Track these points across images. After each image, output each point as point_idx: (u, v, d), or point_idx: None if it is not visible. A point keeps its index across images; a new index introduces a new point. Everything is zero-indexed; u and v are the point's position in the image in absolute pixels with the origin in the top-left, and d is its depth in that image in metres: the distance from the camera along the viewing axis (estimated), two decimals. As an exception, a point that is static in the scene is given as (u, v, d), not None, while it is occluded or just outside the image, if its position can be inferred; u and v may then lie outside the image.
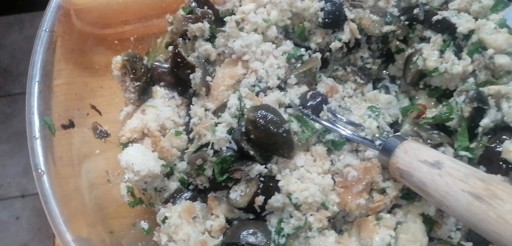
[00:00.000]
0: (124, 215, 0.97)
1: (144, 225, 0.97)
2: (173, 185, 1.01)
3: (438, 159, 0.81)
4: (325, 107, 0.96)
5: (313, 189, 0.88)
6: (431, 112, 1.01)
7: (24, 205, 2.73)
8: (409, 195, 0.91)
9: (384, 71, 1.11)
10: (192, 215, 0.95)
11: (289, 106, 0.97)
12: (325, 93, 0.99)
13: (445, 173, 0.79)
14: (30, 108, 0.83)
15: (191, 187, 1.02)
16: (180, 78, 1.06)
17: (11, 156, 2.80)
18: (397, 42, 1.06)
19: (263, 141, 0.90)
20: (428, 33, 1.04)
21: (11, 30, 3.05)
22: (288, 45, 1.04)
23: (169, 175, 1.01)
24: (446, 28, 1.02)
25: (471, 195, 0.75)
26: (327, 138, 0.94)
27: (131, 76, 1.01)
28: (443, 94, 1.03)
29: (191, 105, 1.05)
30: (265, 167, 0.91)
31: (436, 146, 0.91)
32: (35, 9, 3.04)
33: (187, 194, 0.99)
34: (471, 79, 0.98)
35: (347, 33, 1.02)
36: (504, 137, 0.90)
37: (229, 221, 0.96)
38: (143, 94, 1.04)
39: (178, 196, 0.99)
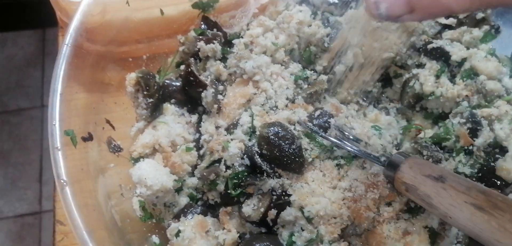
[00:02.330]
0: (136, 229, 0.98)
1: (156, 239, 0.98)
2: (183, 200, 1.03)
3: (441, 174, 0.87)
4: (332, 125, 1.01)
5: (324, 203, 0.92)
6: (428, 133, 1.08)
7: (-2, 228, 2.64)
8: (413, 208, 0.96)
9: (383, 94, 1.18)
10: (205, 229, 0.97)
11: (298, 123, 1.02)
12: (330, 112, 1.05)
13: (448, 186, 0.85)
14: (52, 119, 0.84)
15: (200, 203, 1.04)
16: (190, 96, 1.10)
17: (-15, 177, 2.72)
18: (396, 67, 1.14)
19: (275, 157, 0.95)
20: (424, 60, 1.12)
21: (-8, 48, 3.01)
22: (295, 67, 1.10)
23: (178, 190, 1.03)
24: (441, 55, 1.11)
25: (474, 206, 0.81)
26: (335, 154, 0.99)
27: (145, 92, 1.04)
28: (438, 117, 1.11)
29: (201, 123, 1.08)
30: (277, 182, 0.96)
31: (436, 162, 0.98)
32: (18, 28, 3.02)
33: (197, 209, 1.01)
34: (465, 103, 1.05)
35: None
36: (497, 155, 0.98)
37: (239, 235, 0.98)
38: (155, 110, 1.07)
39: (188, 211, 1.01)
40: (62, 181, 0.80)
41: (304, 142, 0.99)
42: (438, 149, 1.01)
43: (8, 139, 2.83)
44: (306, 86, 1.08)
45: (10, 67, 2.99)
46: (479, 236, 0.81)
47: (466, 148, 1.00)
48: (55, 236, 1.16)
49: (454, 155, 1.01)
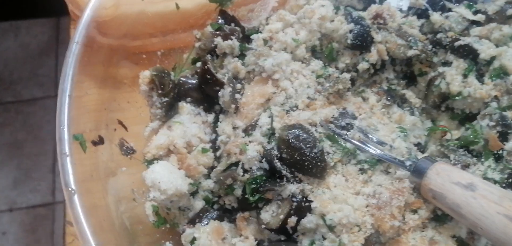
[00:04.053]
0: (149, 235, 0.95)
1: (170, 246, 0.96)
2: (199, 204, 0.99)
3: (471, 181, 0.83)
4: (356, 127, 0.97)
5: (347, 210, 0.88)
6: (454, 135, 1.03)
7: (11, 219, 2.65)
8: (440, 216, 0.91)
9: (407, 92, 1.12)
10: (221, 236, 0.93)
11: (320, 125, 0.97)
12: (353, 112, 1.01)
13: (479, 196, 0.80)
14: (60, 123, 0.81)
15: (216, 206, 1.00)
16: (207, 95, 1.06)
17: (0, 167, 2.72)
18: (420, 65, 1.08)
19: (296, 161, 0.91)
20: (450, 57, 1.06)
21: (5, 37, 3.00)
22: (316, 64, 1.05)
23: (193, 193, 0.99)
24: (469, 53, 1.05)
25: (507, 217, 0.77)
26: (358, 158, 0.95)
27: (159, 91, 1.00)
28: (465, 118, 1.05)
29: (218, 123, 1.05)
30: (298, 187, 0.91)
31: (464, 168, 0.93)
32: (32, 16, 3.00)
33: (213, 214, 0.98)
34: (494, 104, 1.00)
35: (375, 55, 1.04)
36: (529, 161, 0.93)
37: (257, 243, 0.95)
38: (170, 110, 1.03)
39: (204, 216, 0.98)
40: (70, 189, 0.76)
41: (326, 145, 0.94)
42: (466, 152, 0.96)
43: (22, 129, 2.82)
44: (328, 84, 1.03)
45: (24, 56, 2.97)
46: None
47: (495, 152, 0.95)
48: (65, 238, 1.14)
49: (482, 159, 0.96)
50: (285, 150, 0.91)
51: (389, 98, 1.08)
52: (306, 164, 0.90)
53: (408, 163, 0.91)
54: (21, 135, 2.81)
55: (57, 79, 2.98)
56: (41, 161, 2.74)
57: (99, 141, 0.88)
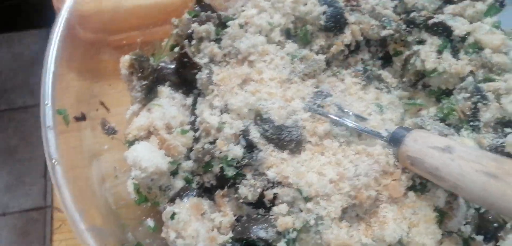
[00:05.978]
0: (131, 212, 0.97)
1: (151, 223, 0.97)
2: (179, 183, 1.00)
3: (449, 144, 0.82)
4: (331, 102, 0.98)
5: (324, 182, 0.89)
6: (431, 112, 1.04)
7: (4, 223, 2.67)
8: (418, 187, 0.92)
9: (383, 72, 1.13)
10: (200, 211, 0.94)
11: (294, 101, 0.98)
12: (328, 91, 1.02)
13: (457, 157, 0.80)
14: (44, 99, 0.84)
15: (195, 185, 1.01)
16: (185, 79, 1.08)
17: (-7, 172, 2.74)
18: (395, 45, 1.10)
19: (271, 135, 0.92)
20: (425, 36, 1.08)
21: (-2, 48, 3.05)
22: (291, 47, 1.06)
23: (174, 173, 1.01)
24: (443, 31, 1.06)
25: (486, 174, 0.75)
26: (334, 132, 0.96)
27: (139, 75, 1.02)
28: (441, 94, 1.07)
29: (196, 105, 1.06)
30: (274, 162, 0.93)
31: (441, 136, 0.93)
32: (24, 28, 3.06)
33: (193, 192, 0.99)
34: (470, 78, 1.01)
35: (349, 36, 1.06)
36: (507, 130, 0.94)
37: (236, 218, 0.96)
38: (150, 93, 1.05)
39: (184, 194, 0.98)
40: (53, 160, 0.78)
41: (301, 120, 0.96)
42: (443, 124, 0.97)
43: (14, 135, 2.86)
44: (303, 66, 1.04)
45: (17, 65, 3.04)
46: (493, 205, 0.76)
47: (472, 124, 0.96)
48: (53, 224, 1.16)
49: (460, 132, 0.97)
50: (261, 125, 0.92)
51: (365, 78, 1.09)
52: (282, 137, 0.92)
53: (384, 134, 0.92)
54: (13, 141, 2.84)
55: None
56: (32, 166, 2.77)
57: (82, 117, 0.91)
